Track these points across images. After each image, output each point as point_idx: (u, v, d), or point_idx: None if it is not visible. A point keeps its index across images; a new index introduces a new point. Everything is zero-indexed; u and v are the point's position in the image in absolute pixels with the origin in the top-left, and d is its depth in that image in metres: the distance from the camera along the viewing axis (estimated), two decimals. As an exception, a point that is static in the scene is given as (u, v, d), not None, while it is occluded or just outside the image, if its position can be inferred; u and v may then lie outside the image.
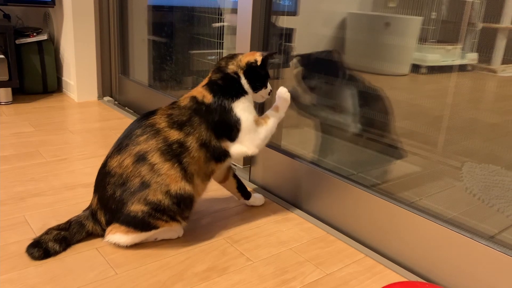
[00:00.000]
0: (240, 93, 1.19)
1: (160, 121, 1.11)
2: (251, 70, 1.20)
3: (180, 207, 1.09)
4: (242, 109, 1.18)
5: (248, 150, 1.19)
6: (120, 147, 1.10)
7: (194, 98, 1.16)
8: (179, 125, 1.11)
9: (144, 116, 1.14)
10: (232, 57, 1.23)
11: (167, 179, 1.06)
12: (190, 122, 1.12)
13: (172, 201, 1.07)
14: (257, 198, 1.41)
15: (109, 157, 1.11)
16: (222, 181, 1.34)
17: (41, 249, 1.06)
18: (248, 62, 1.20)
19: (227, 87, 1.18)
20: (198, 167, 1.12)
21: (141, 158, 1.07)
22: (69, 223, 1.12)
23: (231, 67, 1.20)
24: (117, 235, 1.09)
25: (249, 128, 1.18)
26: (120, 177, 1.07)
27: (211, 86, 1.18)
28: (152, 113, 1.15)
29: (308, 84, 1.53)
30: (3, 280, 0.98)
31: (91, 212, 1.13)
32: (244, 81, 1.20)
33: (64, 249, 1.10)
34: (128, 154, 1.07)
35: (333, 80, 1.51)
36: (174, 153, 1.08)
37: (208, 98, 1.16)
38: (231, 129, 1.17)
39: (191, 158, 1.10)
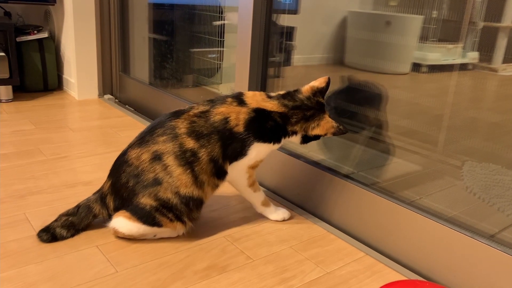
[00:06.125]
0: (271, 141, 1.17)
1: (182, 126, 1.12)
2: (310, 137, 1.20)
3: (189, 207, 1.12)
4: (258, 151, 1.16)
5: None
6: (141, 140, 1.13)
7: (226, 121, 1.13)
8: (197, 136, 1.11)
9: (171, 115, 1.14)
10: (308, 118, 1.17)
11: (177, 182, 1.09)
12: (208, 137, 1.12)
13: (181, 201, 1.10)
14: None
15: (130, 147, 1.14)
16: None
17: (49, 233, 1.12)
18: (315, 135, 1.19)
19: (268, 132, 1.16)
20: (207, 177, 1.13)
21: (157, 157, 1.09)
22: (77, 207, 1.16)
23: (295, 128, 1.18)
24: (120, 218, 1.11)
25: (241, 169, 1.18)
26: (136, 168, 1.10)
27: (254, 122, 1.14)
28: (179, 114, 1.14)
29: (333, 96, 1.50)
30: (2, 278, 0.98)
31: (101, 195, 1.16)
32: (292, 138, 1.20)
33: (73, 235, 1.15)
34: (147, 150, 1.11)
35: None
36: (187, 160, 1.10)
37: (240, 129, 1.13)
38: (235, 156, 1.15)
39: (201, 168, 1.11)
